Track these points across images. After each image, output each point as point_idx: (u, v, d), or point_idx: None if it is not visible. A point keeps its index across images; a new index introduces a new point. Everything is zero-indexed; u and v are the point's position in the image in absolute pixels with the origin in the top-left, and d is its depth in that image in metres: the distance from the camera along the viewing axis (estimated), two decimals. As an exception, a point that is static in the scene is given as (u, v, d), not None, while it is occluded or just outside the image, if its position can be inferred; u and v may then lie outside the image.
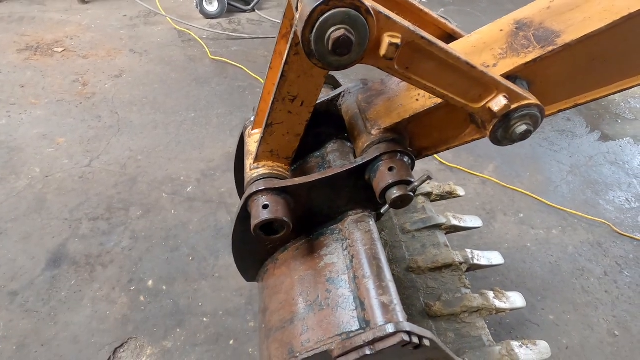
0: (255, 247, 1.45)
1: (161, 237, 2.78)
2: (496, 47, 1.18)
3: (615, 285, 2.68)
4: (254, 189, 1.25)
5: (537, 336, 2.35)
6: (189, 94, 4.18)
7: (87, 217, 2.88)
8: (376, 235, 1.30)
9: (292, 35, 1.06)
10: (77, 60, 4.57)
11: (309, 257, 1.36)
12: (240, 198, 1.40)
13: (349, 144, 1.51)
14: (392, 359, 1.07)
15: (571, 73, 1.17)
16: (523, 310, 2.22)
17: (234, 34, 5.24)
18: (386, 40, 0.92)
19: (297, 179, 1.28)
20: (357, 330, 1.10)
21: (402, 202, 1.20)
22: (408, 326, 1.01)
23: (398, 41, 0.93)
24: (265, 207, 1.20)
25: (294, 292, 1.31)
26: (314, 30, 0.87)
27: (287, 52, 1.09)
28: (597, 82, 1.20)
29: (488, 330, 1.63)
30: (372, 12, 0.87)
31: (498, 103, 1.07)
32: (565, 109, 1.25)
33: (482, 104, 1.10)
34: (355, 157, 1.41)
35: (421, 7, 1.35)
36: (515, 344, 1.53)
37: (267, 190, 1.24)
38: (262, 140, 1.31)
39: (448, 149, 1.35)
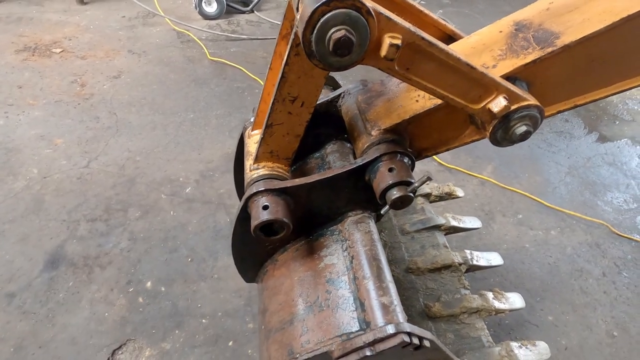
0: (254, 248, 1.45)
1: (160, 238, 2.77)
2: (496, 49, 1.18)
3: (613, 286, 2.69)
4: (254, 189, 1.25)
5: (536, 337, 2.35)
6: (188, 94, 4.18)
7: (85, 218, 2.88)
8: (376, 236, 1.30)
9: (292, 36, 1.06)
10: (76, 61, 4.56)
11: (309, 258, 1.36)
12: (240, 199, 1.40)
13: (348, 144, 1.51)
14: (392, 360, 1.07)
15: (570, 74, 1.17)
16: (522, 311, 2.22)
17: (232, 35, 5.24)
18: (387, 41, 0.93)
19: (297, 180, 1.28)
20: (357, 331, 1.09)
21: (402, 203, 1.20)
22: (408, 327, 1.01)
23: (399, 42, 0.93)
24: (265, 208, 1.20)
25: (293, 293, 1.31)
26: (315, 31, 0.87)
27: (287, 52, 1.09)
28: (596, 83, 1.21)
29: (487, 331, 1.63)
30: (372, 13, 0.87)
31: (498, 104, 1.07)
32: (564, 110, 1.26)
33: (482, 105, 1.10)
34: (355, 158, 1.41)
35: (421, 8, 1.35)
36: (514, 344, 1.54)
37: (267, 191, 1.24)
38: (262, 141, 1.31)
39: (448, 149, 1.35)
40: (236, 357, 2.22)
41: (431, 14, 1.38)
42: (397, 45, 0.93)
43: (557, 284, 2.67)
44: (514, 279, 2.67)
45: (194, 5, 5.49)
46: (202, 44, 4.95)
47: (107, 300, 2.42)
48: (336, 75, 1.66)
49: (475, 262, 1.87)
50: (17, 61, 4.48)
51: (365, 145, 1.28)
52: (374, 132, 1.28)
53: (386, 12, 0.91)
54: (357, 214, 1.36)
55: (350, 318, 1.13)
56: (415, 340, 1.00)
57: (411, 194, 1.19)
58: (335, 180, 1.28)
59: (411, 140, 1.32)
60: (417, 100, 1.25)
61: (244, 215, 1.28)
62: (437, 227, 2.00)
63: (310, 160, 1.55)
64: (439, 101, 1.19)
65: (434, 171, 3.45)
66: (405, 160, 1.25)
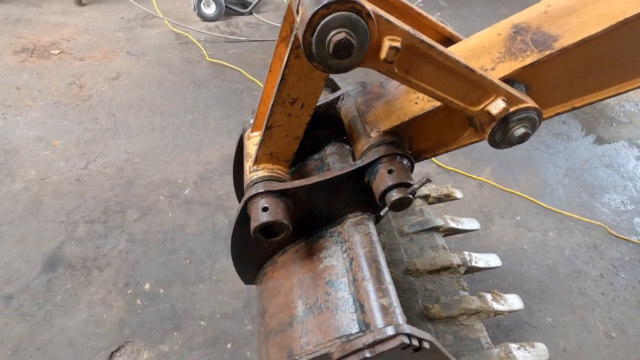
0: (254, 250, 1.45)
1: (158, 240, 2.77)
2: (494, 51, 1.19)
3: (611, 287, 2.70)
4: (253, 191, 1.25)
5: (535, 338, 2.36)
6: (187, 96, 4.18)
7: (84, 220, 2.87)
8: (375, 237, 1.30)
9: (292, 38, 1.06)
10: (74, 63, 4.55)
11: (308, 259, 1.36)
12: (239, 201, 1.40)
13: (348, 146, 1.52)
14: (391, 361, 1.07)
15: (568, 77, 1.18)
16: (521, 312, 2.23)
17: (231, 37, 5.24)
18: (386, 43, 0.93)
19: (296, 182, 1.28)
20: (356, 332, 1.09)
21: (402, 205, 1.20)
22: (408, 329, 1.01)
23: (398, 44, 0.93)
24: (264, 209, 1.20)
25: (293, 294, 1.31)
26: (315, 34, 0.88)
27: (287, 55, 1.09)
28: (594, 85, 1.21)
29: (486, 333, 1.63)
30: (372, 15, 0.88)
31: (496, 106, 1.08)
32: (562, 112, 1.27)
33: (481, 107, 1.10)
34: (354, 159, 1.41)
35: (420, 10, 1.36)
36: (513, 346, 1.54)
37: (267, 193, 1.24)
38: (262, 143, 1.31)
39: (447, 151, 1.36)
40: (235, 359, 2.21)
41: (430, 17, 1.38)
42: (396, 48, 0.93)
43: (556, 286, 2.68)
44: (512, 281, 2.68)
45: (192, 7, 5.49)
46: (200, 46, 4.95)
47: (105, 302, 2.42)
48: (335, 77, 1.66)
49: (474, 264, 1.88)
50: (15, 62, 4.47)
51: (365, 147, 1.28)
52: (373, 134, 1.28)
53: (386, 14, 0.92)
54: (356, 215, 1.36)
55: (350, 320, 1.13)
56: (415, 342, 1.00)
57: (410, 196, 1.20)
58: (334, 182, 1.28)
59: (410, 142, 1.33)
60: (416, 103, 1.26)
61: (244, 217, 1.28)
62: (436, 229, 2.01)
63: (309, 162, 1.55)
64: (438, 103, 1.19)
65: (432, 173, 3.46)
66: (405, 162, 1.25)
